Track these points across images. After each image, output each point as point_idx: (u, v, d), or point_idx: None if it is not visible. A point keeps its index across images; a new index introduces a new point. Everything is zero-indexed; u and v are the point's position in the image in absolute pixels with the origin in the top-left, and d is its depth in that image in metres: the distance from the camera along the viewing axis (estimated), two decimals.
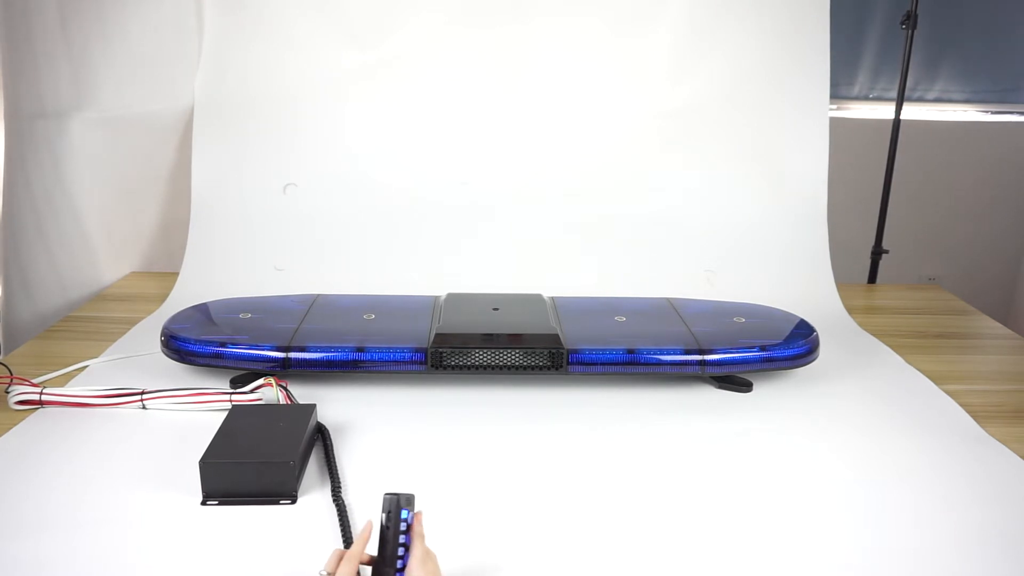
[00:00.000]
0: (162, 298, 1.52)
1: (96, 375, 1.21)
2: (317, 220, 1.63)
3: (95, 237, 1.59)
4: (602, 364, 1.17)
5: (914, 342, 1.42)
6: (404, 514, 0.71)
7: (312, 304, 1.31)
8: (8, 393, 1.09)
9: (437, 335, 1.18)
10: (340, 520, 0.86)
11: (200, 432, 0.98)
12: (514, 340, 1.17)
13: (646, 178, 1.67)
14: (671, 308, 1.34)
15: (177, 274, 1.58)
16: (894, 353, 1.36)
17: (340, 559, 0.70)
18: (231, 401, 1.09)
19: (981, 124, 2.38)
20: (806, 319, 1.31)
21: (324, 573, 0.69)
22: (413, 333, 1.20)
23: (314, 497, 0.91)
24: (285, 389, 1.10)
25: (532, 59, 1.65)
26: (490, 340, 1.17)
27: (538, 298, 1.33)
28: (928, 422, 1.12)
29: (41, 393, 1.09)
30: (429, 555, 0.72)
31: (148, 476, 0.94)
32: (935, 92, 2.37)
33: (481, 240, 1.64)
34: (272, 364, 1.15)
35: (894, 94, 1.94)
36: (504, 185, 1.66)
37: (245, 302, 1.33)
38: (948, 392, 1.21)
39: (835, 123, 1.69)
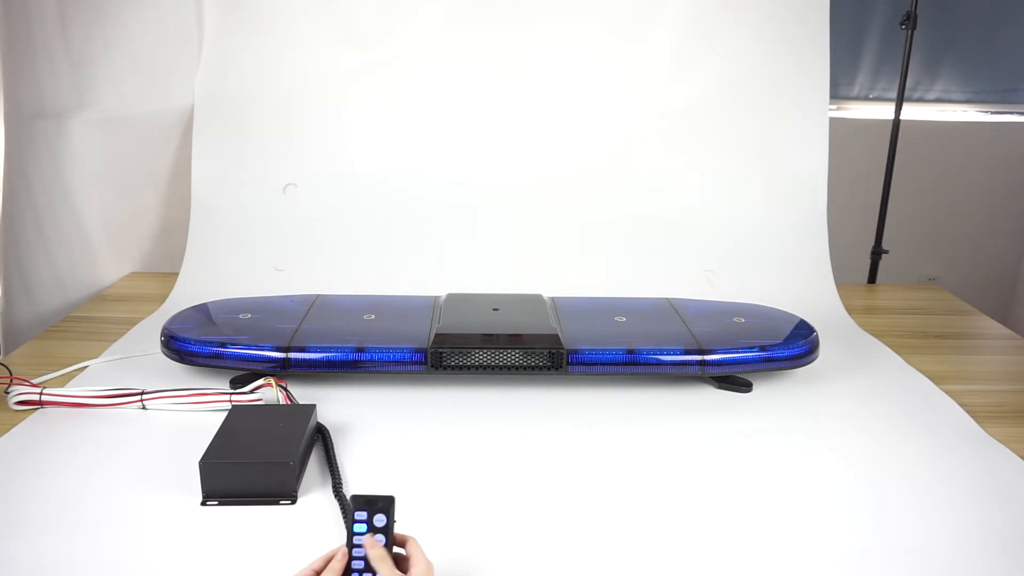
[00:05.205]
0: (162, 298, 1.52)
1: (96, 375, 1.21)
2: (317, 220, 1.63)
3: (95, 237, 1.59)
4: (602, 364, 1.17)
5: (914, 342, 1.42)
6: (360, 528, 0.71)
7: (312, 304, 1.31)
8: (8, 393, 1.09)
9: (437, 335, 1.18)
10: (343, 516, 0.86)
11: (200, 432, 0.98)
12: (514, 340, 1.17)
13: (646, 178, 1.67)
14: (671, 308, 1.34)
15: (177, 274, 1.58)
16: (894, 353, 1.36)
17: None
18: (231, 401, 1.09)
19: (981, 124, 2.38)
20: (806, 319, 1.31)
21: None
22: (413, 333, 1.20)
23: (314, 497, 0.91)
24: (285, 389, 1.10)
25: (531, 59, 1.65)
26: (490, 340, 1.17)
27: (538, 298, 1.33)
28: (928, 422, 1.12)
29: (41, 393, 1.09)
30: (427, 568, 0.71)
31: (148, 476, 0.94)
32: (935, 92, 2.37)
33: (481, 240, 1.64)
34: (272, 364, 1.15)
35: (894, 94, 1.94)
36: (505, 185, 1.66)
37: (245, 302, 1.33)
38: (948, 392, 1.21)
39: (835, 123, 1.69)
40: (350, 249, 1.62)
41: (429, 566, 0.70)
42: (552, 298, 1.37)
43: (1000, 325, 1.53)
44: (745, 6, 1.62)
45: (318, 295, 1.35)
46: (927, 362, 1.32)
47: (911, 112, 2.35)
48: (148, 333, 1.36)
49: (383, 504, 0.71)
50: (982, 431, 1.10)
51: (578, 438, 1.06)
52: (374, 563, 0.69)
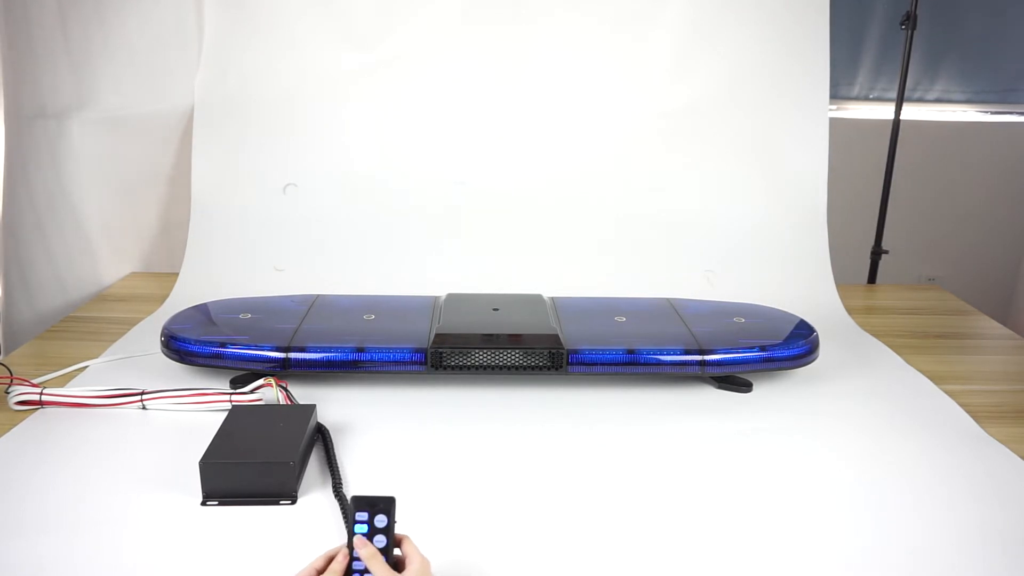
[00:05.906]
0: (162, 298, 1.52)
1: (96, 375, 1.21)
2: (317, 220, 1.63)
3: (95, 237, 1.59)
4: (602, 364, 1.17)
5: (914, 342, 1.42)
6: (361, 528, 0.71)
7: (312, 304, 1.31)
8: (8, 393, 1.09)
9: (437, 335, 1.18)
10: (343, 516, 0.86)
11: (200, 432, 0.98)
12: (514, 340, 1.17)
13: (646, 178, 1.67)
14: (671, 308, 1.34)
15: (177, 274, 1.58)
16: (894, 353, 1.36)
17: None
18: (231, 401, 1.09)
19: (981, 124, 2.38)
20: (806, 319, 1.31)
21: None
22: (413, 333, 1.20)
23: (314, 497, 0.91)
24: (285, 389, 1.10)
25: (531, 59, 1.65)
26: (490, 340, 1.17)
27: (538, 298, 1.33)
28: (928, 422, 1.12)
29: (41, 393, 1.09)
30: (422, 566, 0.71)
31: (148, 476, 0.94)
32: (935, 92, 2.37)
33: (481, 240, 1.64)
34: (272, 364, 1.15)
35: (894, 94, 1.94)
36: (505, 185, 1.66)
37: (245, 302, 1.33)
38: (948, 392, 1.21)
39: (835, 123, 1.69)
40: (350, 249, 1.62)
41: (424, 563, 0.70)
42: (552, 298, 1.37)
43: (1000, 325, 1.53)
44: (745, 6, 1.62)
45: (318, 295, 1.35)
46: (927, 362, 1.32)
47: (911, 112, 2.35)
48: (148, 333, 1.36)
49: (384, 505, 0.71)
50: (982, 431, 1.10)
51: (578, 438, 1.06)
52: (366, 561, 0.69)
